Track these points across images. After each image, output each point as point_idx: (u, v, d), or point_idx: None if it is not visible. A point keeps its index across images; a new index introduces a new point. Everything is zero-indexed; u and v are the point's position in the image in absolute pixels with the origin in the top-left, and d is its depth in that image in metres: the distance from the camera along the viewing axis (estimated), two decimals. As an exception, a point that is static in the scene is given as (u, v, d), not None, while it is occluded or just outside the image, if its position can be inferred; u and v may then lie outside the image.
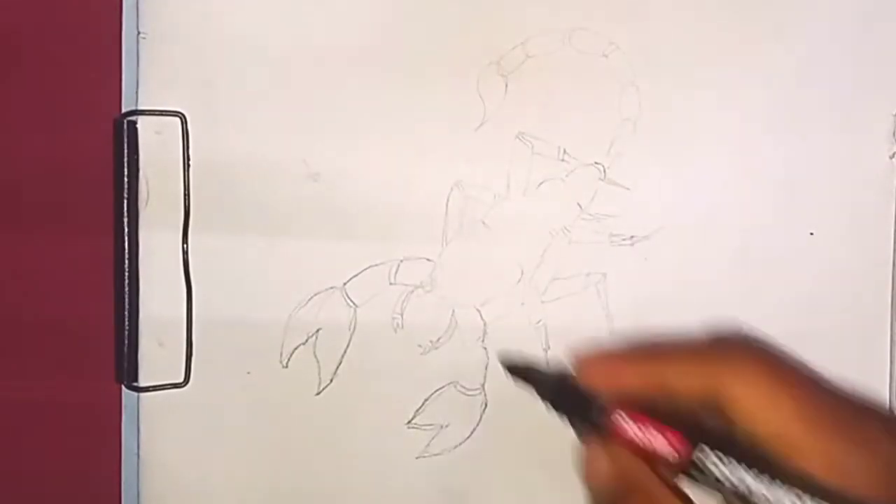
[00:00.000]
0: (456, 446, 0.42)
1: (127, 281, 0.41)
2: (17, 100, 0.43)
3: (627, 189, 0.42)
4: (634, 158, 0.42)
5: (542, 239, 0.42)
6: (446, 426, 0.42)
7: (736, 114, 0.42)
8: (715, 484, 0.28)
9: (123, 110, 0.41)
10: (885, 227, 0.42)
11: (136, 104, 0.41)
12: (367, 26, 0.41)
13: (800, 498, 0.27)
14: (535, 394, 0.32)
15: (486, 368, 0.42)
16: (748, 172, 0.42)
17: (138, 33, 0.41)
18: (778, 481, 0.27)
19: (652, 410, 0.29)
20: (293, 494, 0.42)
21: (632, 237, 0.42)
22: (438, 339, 0.42)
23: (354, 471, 0.42)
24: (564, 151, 0.42)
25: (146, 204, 0.41)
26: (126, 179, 0.41)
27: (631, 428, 0.29)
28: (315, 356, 0.42)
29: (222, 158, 0.41)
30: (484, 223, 0.42)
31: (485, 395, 0.42)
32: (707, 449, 0.28)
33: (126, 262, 0.41)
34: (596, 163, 0.42)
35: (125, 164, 0.41)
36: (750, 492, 0.28)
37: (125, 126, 0.41)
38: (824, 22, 0.42)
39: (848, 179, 0.42)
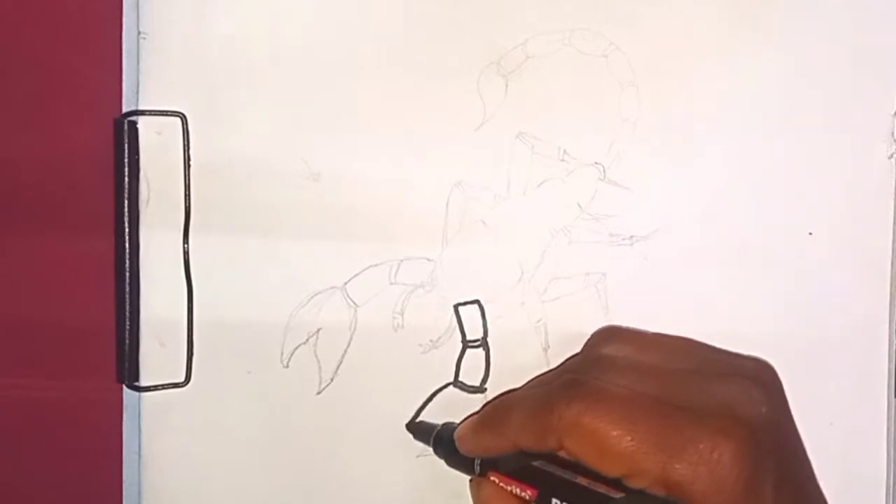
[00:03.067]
0: (456, 446, 0.42)
1: (128, 281, 0.41)
2: (17, 100, 0.43)
3: (627, 189, 0.42)
4: (634, 158, 0.42)
5: (542, 239, 0.42)
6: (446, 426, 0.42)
7: (736, 114, 0.42)
8: None
9: (123, 110, 0.41)
10: (883, 226, 0.42)
11: (137, 104, 0.41)
12: (366, 27, 0.41)
13: None
14: (429, 445, 0.40)
15: (486, 368, 0.42)
16: (748, 172, 0.42)
17: (138, 33, 0.41)
18: None
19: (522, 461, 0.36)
20: (293, 494, 0.43)
21: (631, 237, 0.42)
22: (438, 339, 0.42)
23: (354, 471, 0.42)
24: (564, 151, 0.42)
25: (147, 204, 0.41)
26: (126, 179, 0.41)
27: (499, 482, 0.37)
28: (315, 356, 0.42)
29: (223, 159, 0.41)
30: (484, 223, 0.42)
31: (485, 394, 0.42)
32: (557, 501, 0.34)
33: (127, 262, 0.41)
34: (596, 163, 0.42)
35: (125, 165, 0.41)
36: None
37: (125, 126, 0.41)
38: (823, 22, 0.42)
39: (847, 179, 0.42)
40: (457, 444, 0.38)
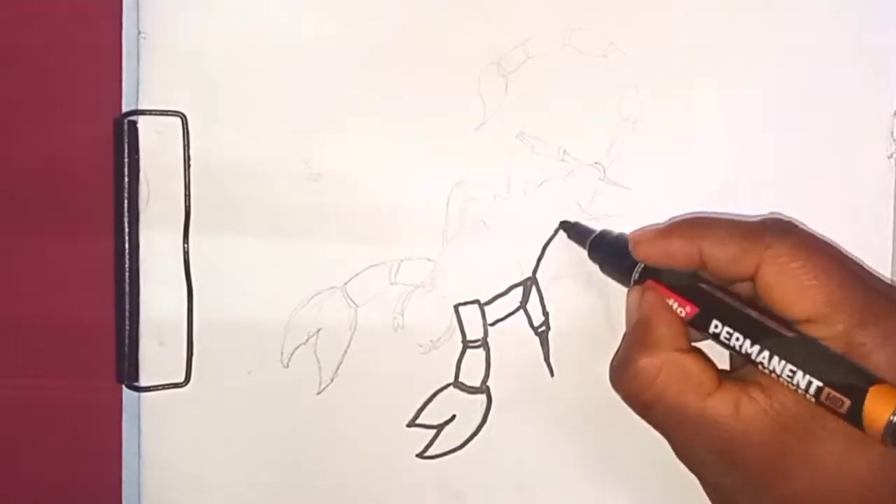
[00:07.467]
0: (456, 446, 0.42)
1: (128, 281, 0.41)
2: (18, 99, 0.43)
3: (627, 189, 0.42)
4: (634, 158, 0.42)
5: (542, 239, 0.42)
6: (447, 426, 0.42)
7: (736, 113, 0.42)
8: (721, 342, 0.34)
9: (123, 110, 0.41)
10: (884, 226, 0.42)
11: (137, 104, 0.41)
12: (367, 27, 0.41)
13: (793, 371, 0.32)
14: (584, 248, 0.40)
15: (486, 368, 0.42)
16: (748, 172, 0.42)
17: (138, 33, 0.41)
18: (776, 357, 0.32)
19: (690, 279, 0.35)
20: (293, 494, 0.43)
21: (632, 237, 0.42)
22: (438, 339, 0.42)
23: (354, 471, 0.42)
24: (564, 151, 0.42)
25: (147, 204, 0.41)
26: (126, 179, 0.41)
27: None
28: (316, 356, 0.42)
29: (223, 158, 0.41)
30: (484, 223, 0.42)
31: (486, 394, 0.42)
32: (719, 324, 0.34)
33: (127, 262, 0.41)
34: (596, 163, 0.42)
35: (125, 164, 0.41)
36: (750, 357, 0.33)
37: (125, 126, 0.41)
38: (823, 22, 0.42)
39: (847, 179, 0.42)
40: (632, 245, 0.36)
